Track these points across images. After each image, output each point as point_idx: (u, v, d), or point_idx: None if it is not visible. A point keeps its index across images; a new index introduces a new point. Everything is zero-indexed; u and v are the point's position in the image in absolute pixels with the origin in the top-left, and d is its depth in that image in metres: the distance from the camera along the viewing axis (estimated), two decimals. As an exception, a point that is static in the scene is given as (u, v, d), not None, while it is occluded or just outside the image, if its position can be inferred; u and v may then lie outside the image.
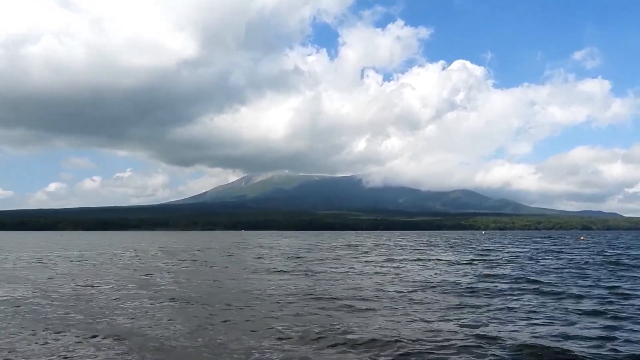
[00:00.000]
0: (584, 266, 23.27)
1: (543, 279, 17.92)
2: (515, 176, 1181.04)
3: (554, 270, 21.19)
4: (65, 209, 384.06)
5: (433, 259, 29.22)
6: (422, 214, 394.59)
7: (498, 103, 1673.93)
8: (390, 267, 24.03)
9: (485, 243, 58.22)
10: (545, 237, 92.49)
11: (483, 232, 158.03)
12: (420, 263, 26.63)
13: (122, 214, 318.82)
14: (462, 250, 41.52)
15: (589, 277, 18.39)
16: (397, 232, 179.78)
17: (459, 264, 25.71)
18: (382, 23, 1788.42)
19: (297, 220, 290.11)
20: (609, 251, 38.29)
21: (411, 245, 51.96)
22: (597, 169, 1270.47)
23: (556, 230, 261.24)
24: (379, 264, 25.64)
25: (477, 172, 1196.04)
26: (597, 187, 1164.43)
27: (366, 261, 28.18)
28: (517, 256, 31.21)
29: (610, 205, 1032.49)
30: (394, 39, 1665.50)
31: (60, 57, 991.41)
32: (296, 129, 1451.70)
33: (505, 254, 33.86)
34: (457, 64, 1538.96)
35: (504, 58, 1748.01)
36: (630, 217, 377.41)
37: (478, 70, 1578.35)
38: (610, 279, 17.91)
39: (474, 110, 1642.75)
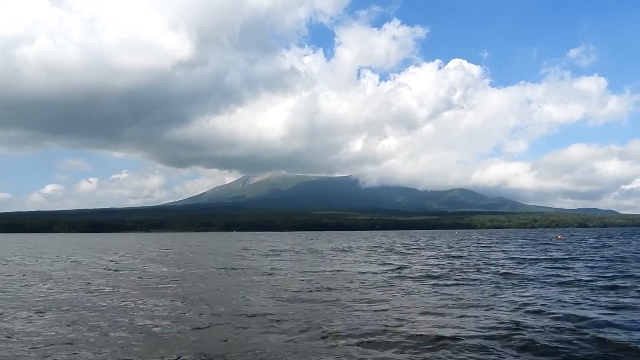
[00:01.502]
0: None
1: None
2: (511, 174, 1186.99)
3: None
4: (60, 210, 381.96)
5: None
6: (419, 214, 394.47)
7: (495, 101, 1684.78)
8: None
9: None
10: (521, 237, 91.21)
11: (457, 232, 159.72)
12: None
13: (118, 216, 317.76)
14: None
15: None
16: (393, 232, 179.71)
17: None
18: (378, 23, 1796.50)
19: (293, 221, 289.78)
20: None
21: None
22: (593, 167, 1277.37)
23: (552, 228, 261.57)
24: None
25: (474, 170, 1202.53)
26: (594, 185, 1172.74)
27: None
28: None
29: (607, 203, 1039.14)
30: (390, 38, 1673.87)
31: (54, 58, 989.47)
32: (293, 129, 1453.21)
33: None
34: (454, 63, 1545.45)
35: (500, 56, 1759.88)
36: (626, 214, 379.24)
37: (474, 69, 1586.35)
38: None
39: (471, 109, 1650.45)
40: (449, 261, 30.18)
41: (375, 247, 54.61)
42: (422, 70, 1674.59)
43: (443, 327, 10.43)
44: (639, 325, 10.39)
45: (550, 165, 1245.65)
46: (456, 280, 19.25)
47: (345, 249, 49.16)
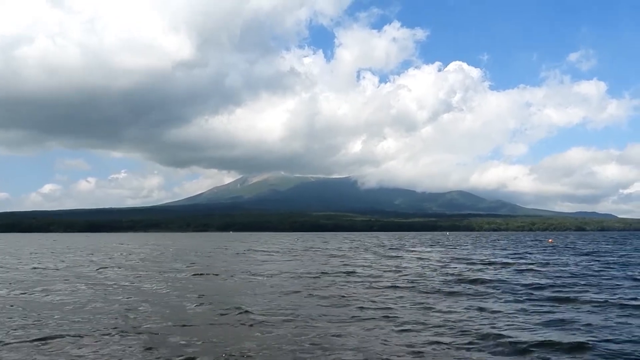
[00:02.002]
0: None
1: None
2: (510, 177, 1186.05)
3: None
4: (58, 210, 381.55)
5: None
6: (418, 215, 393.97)
7: (494, 104, 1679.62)
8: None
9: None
10: (512, 240, 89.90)
11: (447, 234, 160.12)
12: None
13: (115, 216, 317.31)
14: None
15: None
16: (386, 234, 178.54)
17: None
18: (378, 25, 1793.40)
19: (291, 222, 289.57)
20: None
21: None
22: (592, 170, 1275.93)
23: (550, 232, 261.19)
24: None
25: (473, 173, 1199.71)
26: (592, 189, 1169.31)
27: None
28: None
29: (605, 206, 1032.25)
30: (390, 40, 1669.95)
31: (54, 58, 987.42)
32: (292, 130, 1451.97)
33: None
34: (454, 65, 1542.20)
35: (500, 60, 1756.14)
36: (624, 218, 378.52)
37: (474, 72, 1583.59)
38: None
39: (470, 112, 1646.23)
40: (417, 263, 29.24)
41: (356, 247, 54.02)
42: (422, 72, 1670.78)
43: (332, 349, 9.01)
44: (555, 347, 9.04)
45: (550, 168, 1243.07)
46: (401, 284, 18.06)
47: (323, 249, 48.19)
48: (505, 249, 48.24)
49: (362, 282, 19.25)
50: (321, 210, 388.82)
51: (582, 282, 18.75)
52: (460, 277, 20.47)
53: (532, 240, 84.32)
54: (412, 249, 50.05)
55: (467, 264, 28.67)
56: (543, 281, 19.18)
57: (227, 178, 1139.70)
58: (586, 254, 38.51)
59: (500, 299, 14.96)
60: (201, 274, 22.13)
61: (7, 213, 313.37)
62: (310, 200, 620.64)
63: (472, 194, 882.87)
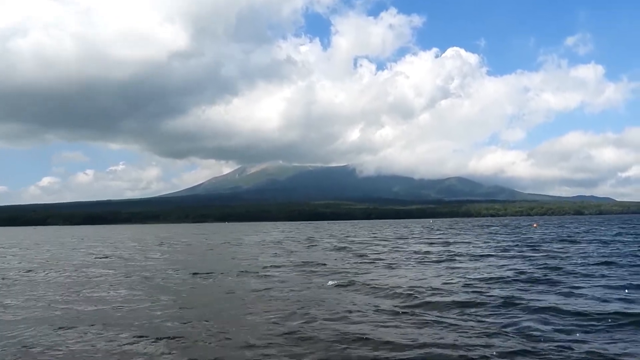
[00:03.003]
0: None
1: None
2: (508, 162, 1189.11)
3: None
4: (57, 203, 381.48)
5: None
6: (416, 203, 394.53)
7: (492, 90, 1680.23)
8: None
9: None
10: (497, 226, 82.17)
11: (431, 221, 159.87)
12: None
13: (114, 208, 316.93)
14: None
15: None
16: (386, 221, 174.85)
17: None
18: (374, 11, 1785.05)
19: (289, 211, 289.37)
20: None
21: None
22: (589, 154, 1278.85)
23: (549, 216, 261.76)
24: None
25: (470, 159, 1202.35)
26: (590, 172, 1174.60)
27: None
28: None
29: (603, 190, 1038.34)
30: (387, 27, 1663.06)
31: (49, 50, 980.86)
32: (289, 119, 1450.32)
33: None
34: (451, 51, 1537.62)
35: (498, 45, 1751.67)
36: (622, 202, 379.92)
37: (472, 58, 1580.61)
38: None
39: (468, 98, 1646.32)
40: (339, 255, 25.64)
41: (318, 238, 48.56)
42: (419, 59, 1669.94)
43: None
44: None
45: (547, 153, 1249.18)
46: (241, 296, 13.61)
47: (281, 241, 43.66)
48: (476, 238, 42.70)
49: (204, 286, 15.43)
50: (319, 199, 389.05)
51: (480, 291, 12.39)
52: (346, 278, 15.51)
53: (514, 226, 78.30)
54: (373, 235, 47.90)
55: (394, 256, 24.04)
56: (442, 282, 14.41)
57: (226, 168, 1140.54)
58: (549, 242, 32.84)
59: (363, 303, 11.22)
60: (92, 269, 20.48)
61: (7, 207, 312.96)
62: (309, 189, 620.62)
63: (470, 180, 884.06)
